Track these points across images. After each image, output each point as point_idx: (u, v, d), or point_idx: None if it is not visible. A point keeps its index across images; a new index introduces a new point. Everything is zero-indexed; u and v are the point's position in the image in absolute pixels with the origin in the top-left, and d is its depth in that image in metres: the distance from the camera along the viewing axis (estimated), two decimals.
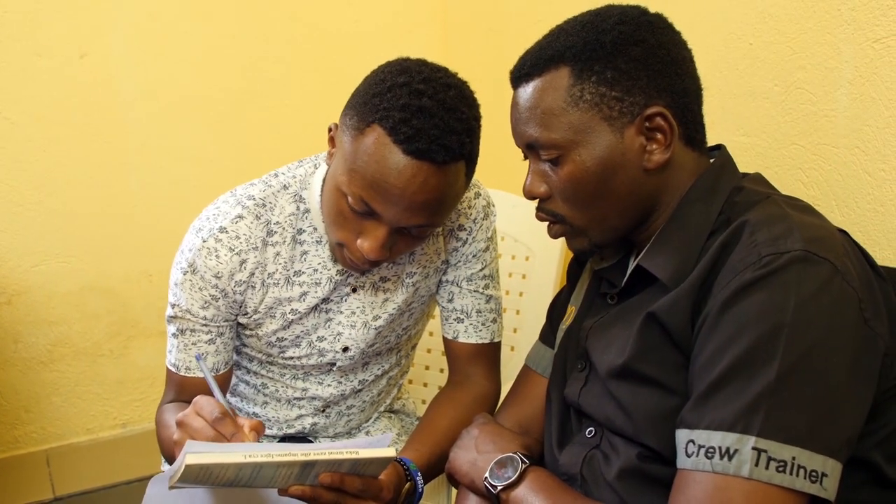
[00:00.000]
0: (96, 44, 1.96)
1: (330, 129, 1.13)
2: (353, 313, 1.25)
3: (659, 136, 0.91)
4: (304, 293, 1.21)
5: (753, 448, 0.76)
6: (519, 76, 0.96)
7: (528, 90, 0.94)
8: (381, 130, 1.01)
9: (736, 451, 0.76)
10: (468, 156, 1.06)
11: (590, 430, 0.98)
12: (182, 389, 1.22)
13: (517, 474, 0.97)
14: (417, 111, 1.00)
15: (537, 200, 0.99)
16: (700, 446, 0.79)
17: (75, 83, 1.96)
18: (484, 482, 1.00)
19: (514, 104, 0.97)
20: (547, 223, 1.00)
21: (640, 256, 0.95)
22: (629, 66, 0.90)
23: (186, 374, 1.21)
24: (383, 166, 1.01)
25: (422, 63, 1.07)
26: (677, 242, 0.91)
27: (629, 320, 0.93)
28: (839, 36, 1.19)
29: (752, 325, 0.78)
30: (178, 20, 2.03)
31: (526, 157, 1.00)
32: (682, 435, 0.81)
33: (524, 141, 0.96)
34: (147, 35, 2.01)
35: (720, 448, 0.77)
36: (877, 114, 1.15)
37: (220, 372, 1.23)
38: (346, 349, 1.26)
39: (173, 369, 1.22)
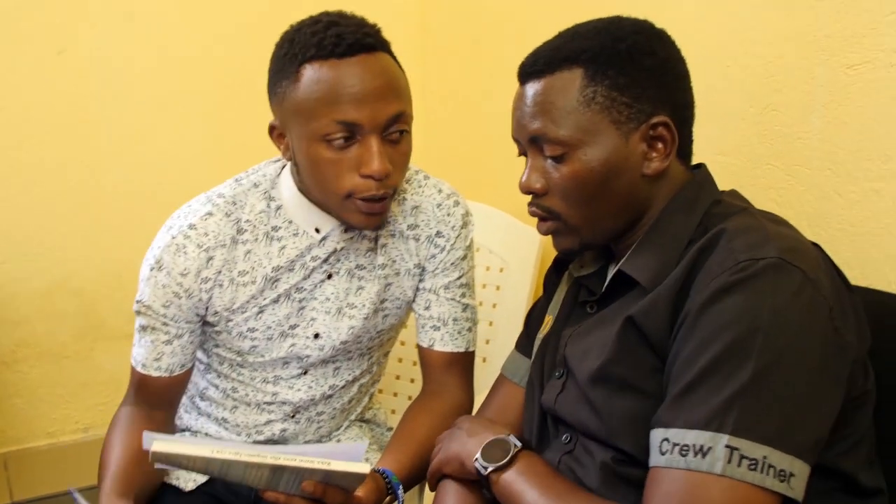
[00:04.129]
0: (74, 40, 1.94)
1: (273, 129, 1.17)
2: (328, 299, 1.25)
3: (660, 145, 0.94)
4: (276, 280, 1.21)
5: (726, 446, 0.77)
6: (531, 72, 0.97)
7: (538, 86, 0.96)
8: (310, 63, 1.07)
9: (710, 448, 0.78)
10: (388, 49, 1.12)
11: (566, 436, 0.99)
12: (141, 387, 1.24)
13: (509, 457, 0.97)
14: (326, 28, 1.08)
15: (530, 197, 1.00)
16: (675, 444, 0.80)
17: (52, 80, 1.93)
18: (474, 463, 0.99)
19: (521, 98, 0.98)
20: (538, 219, 1.01)
21: (620, 262, 0.97)
22: (641, 75, 0.93)
23: (143, 372, 1.22)
24: (333, 80, 1.06)
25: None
26: (657, 248, 0.94)
27: (608, 325, 0.94)
28: (814, 61, 1.22)
29: (728, 327, 0.80)
30: (156, 21, 2.02)
31: (521, 154, 1.02)
32: (656, 434, 0.83)
33: (529, 134, 0.97)
34: (124, 34, 2.00)
35: (694, 446, 0.79)
36: (848, 137, 1.18)
37: (175, 374, 1.23)
38: (317, 336, 1.26)
39: (133, 363, 1.24)
